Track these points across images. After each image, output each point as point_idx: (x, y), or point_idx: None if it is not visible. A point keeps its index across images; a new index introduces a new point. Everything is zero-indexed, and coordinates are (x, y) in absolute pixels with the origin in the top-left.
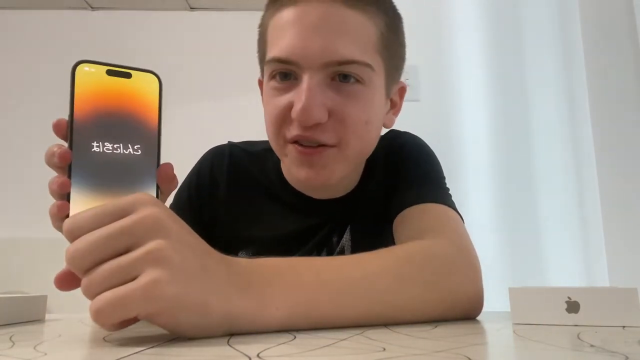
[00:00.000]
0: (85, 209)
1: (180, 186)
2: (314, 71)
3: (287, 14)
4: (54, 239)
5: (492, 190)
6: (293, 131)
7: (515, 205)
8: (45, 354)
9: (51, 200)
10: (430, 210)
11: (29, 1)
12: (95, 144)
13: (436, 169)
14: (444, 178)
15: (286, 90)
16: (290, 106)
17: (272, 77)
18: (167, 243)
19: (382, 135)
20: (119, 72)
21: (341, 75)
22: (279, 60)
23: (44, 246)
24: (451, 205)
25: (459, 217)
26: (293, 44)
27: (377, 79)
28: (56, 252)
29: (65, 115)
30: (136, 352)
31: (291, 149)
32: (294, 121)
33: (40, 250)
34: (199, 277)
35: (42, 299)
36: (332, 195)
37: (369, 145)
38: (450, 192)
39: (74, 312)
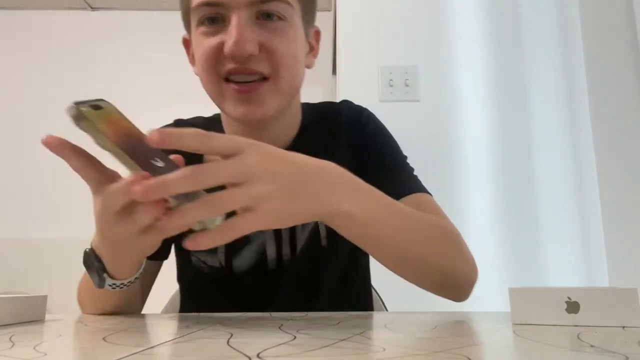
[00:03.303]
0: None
1: None
2: (240, 10)
3: None
4: (54, 239)
5: (492, 191)
6: (228, 65)
7: (515, 206)
8: (45, 354)
9: (47, 202)
10: (418, 201)
11: (29, 1)
12: (152, 161)
13: (401, 153)
14: (407, 158)
15: (215, 32)
16: (221, 45)
17: (201, 23)
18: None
19: (315, 103)
20: (98, 106)
21: (264, 14)
22: (207, 4)
23: (44, 246)
24: (425, 190)
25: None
26: None
27: (296, 17)
28: (56, 252)
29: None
30: (136, 352)
31: (228, 88)
32: (227, 57)
33: (40, 250)
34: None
35: (42, 299)
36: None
37: (299, 79)
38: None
39: (74, 312)
